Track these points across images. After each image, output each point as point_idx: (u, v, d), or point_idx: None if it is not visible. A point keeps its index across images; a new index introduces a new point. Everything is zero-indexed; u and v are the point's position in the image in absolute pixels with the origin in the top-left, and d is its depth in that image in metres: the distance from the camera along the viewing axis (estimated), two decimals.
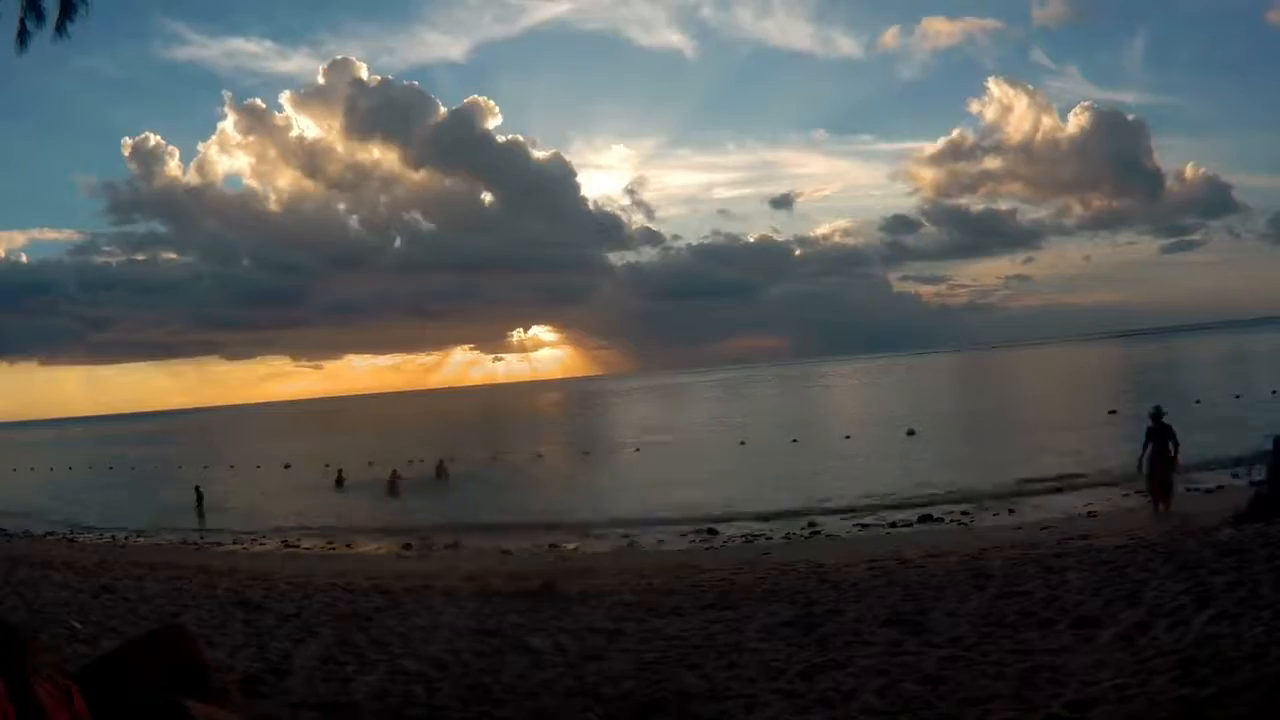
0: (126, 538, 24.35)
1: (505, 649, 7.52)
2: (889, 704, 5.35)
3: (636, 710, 5.68)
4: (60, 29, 9.79)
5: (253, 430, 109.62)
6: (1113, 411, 36.49)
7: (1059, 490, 20.74)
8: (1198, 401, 36.48)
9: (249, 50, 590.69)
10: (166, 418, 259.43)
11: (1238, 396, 36.68)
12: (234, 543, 22.47)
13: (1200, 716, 4.42)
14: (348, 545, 20.99)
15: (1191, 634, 5.91)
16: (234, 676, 6.59)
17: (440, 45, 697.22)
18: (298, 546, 21.30)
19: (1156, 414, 15.73)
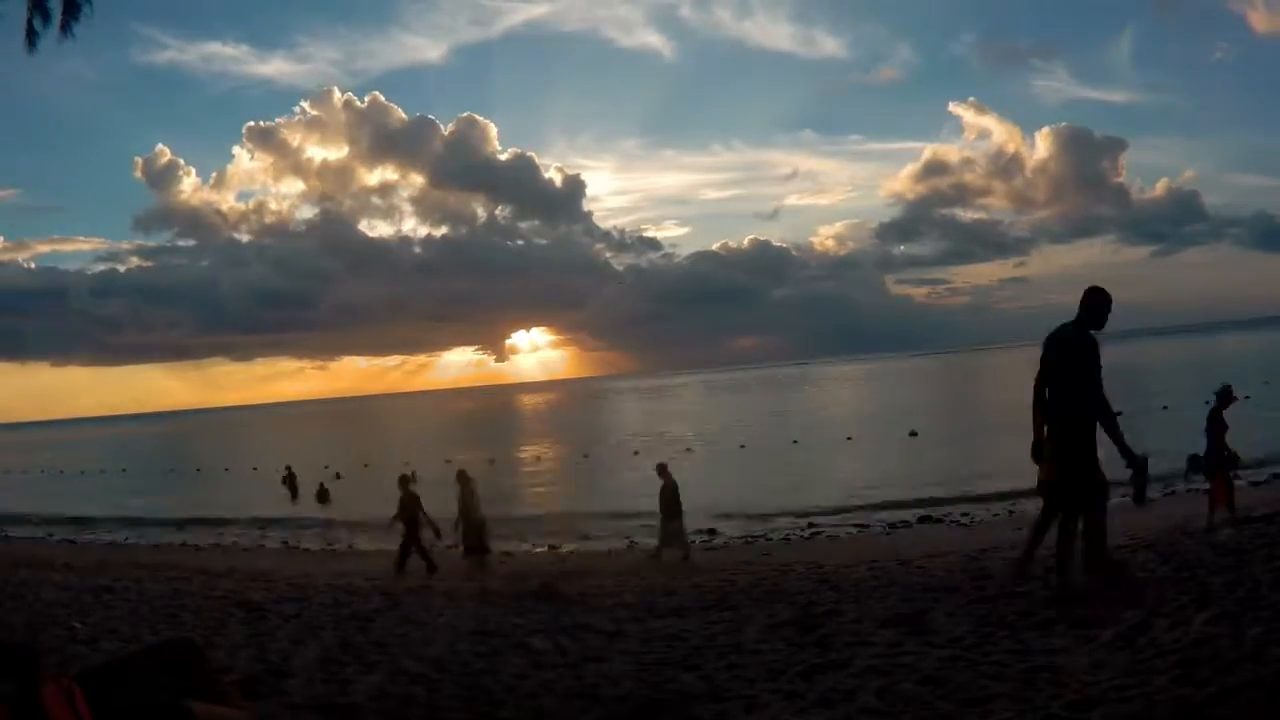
0: (126, 538, 24.35)
1: (505, 650, 7.52)
2: (889, 704, 5.35)
3: (636, 711, 5.68)
4: (65, 29, 9.81)
5: (255, 431, 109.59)
6: (1118, 413, 36.47)
7: None
8: (1207, 402, 36.44)
9: (227, 54, 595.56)
10: (174, 418, 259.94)
11: (1247, 397, 36.49)
12: (234, 543, 22.48)
13: (1200, 716, 4.42)
14: (350, 546, 21.01)
15: (1191, 634, 5.91)
16: (233, 677, 6.59)
17: (417, 48, 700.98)
18: (298, 547, 21.31)
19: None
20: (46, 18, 9.70)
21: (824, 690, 5.75)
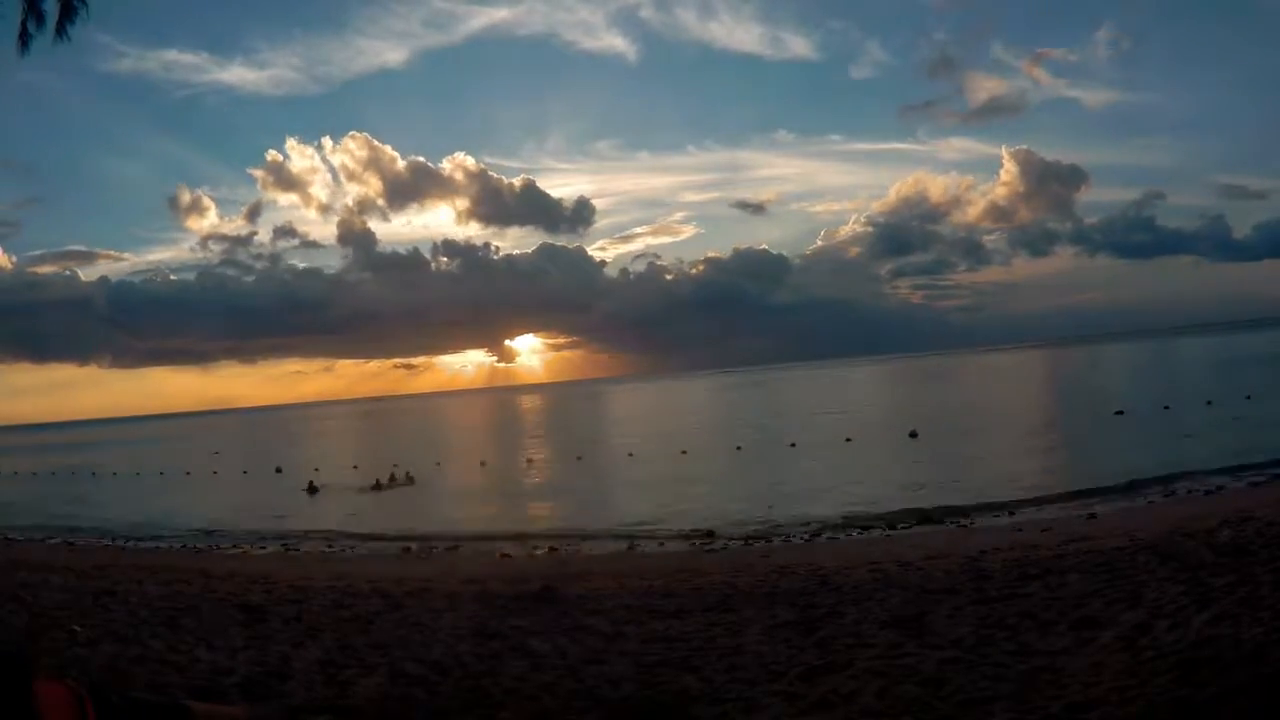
0: (127, 541, 24.32)
1: (505, 652, 7.52)
2: (889, 706, 5.35)
3: (637, 713, 5.68)
4: (60, 31, 9.78)
5: (259, 432, 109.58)
6: (1120, 412, 36.47)
7: (1059, 491, 20.72)
8: (1209, 403, 36.57)
9: (186, 62, 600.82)
10: (185, 419, 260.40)
11: (1248, 398, 36.48)
12: (234, 546, 22.46)
13: (1200, 717, 4.42)
14: (354, 547, 21.01)
15: (1191, 635, 5.92)
16: (234, 679, 6.59)
17: (377, 53, 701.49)
18: (298, 550, 21.30)
19: None
20: (41, 20, 9.66)
21: (824, 692, 5.74)
